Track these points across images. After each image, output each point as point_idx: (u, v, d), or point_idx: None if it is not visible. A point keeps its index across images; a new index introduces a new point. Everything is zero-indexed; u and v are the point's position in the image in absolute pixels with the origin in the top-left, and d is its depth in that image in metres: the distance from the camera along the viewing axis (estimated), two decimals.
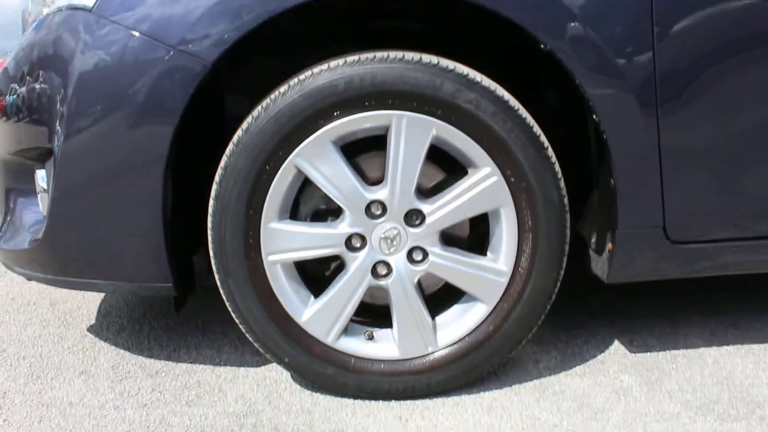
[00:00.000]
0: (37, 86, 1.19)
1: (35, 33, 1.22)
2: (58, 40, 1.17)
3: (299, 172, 1.14)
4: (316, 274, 1.25)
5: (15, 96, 1.25)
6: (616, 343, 1.45)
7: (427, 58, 1.12)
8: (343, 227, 1.16)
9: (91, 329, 1.56)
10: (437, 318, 1.23)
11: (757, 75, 1.15)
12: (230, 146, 1.14)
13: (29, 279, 1.31)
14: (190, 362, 1.38)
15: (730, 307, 1.60)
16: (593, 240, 1.29)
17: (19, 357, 1.42)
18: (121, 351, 1.44)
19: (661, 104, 1.13)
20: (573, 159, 1.28)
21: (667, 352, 1.40)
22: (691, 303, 1.63)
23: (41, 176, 1.26)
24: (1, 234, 1.32)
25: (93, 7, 1.14)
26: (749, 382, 1.27)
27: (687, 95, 1.14)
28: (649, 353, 1.40)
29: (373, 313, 1.26)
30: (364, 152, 1.20)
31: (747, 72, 1.14)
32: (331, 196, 1.15)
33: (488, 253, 1.22)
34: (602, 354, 1.40)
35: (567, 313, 1.55)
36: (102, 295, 1.74)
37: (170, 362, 1.38)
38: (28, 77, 1.21)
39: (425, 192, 1.20)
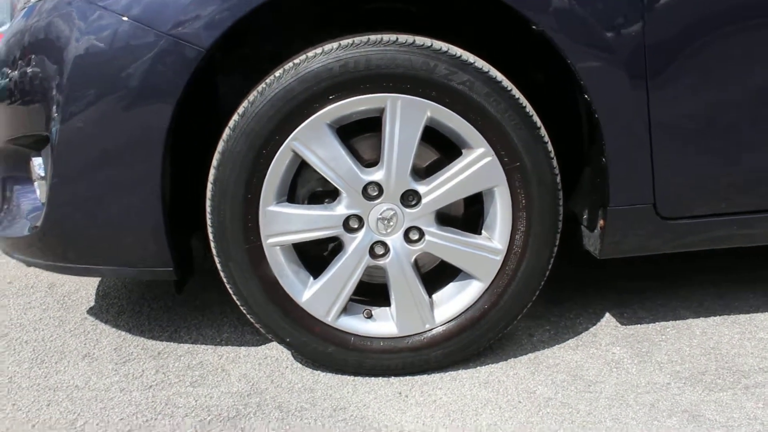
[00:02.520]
0: (30, 73, 1.18)
1: (26, 19, 1.21)
2: (51, 27, 1.16)
3: (296, 155, 1.15)
4: (315, 255, 1.27)
5: (7, 83, 1.24)
6: (608, 315, 1.49)
7: (420, 40, 1.12)
8: (341, 209, 1.18)
9: (91, 312, 1.58)
10: (434, 296, 1.26)
11: (745, 50, 1.17)
12: (227, 131, 1.15)
13: (29, 265, 1.32)
14: (192, 342, 1.41)
15: (717, 278, 1.64)
16: (585, 217, 1.32)
17: (22, 341, 1.43)
18: (123, 333, 1.46)
19: (651, 81, 1.15)
20: (565, 137, 1.29)
21: (657, 323, 1.45)
22: (681, 275, 1.67)
23: (38, 163, 1.26)
24: (0, 219, 1.32)
25: None
26: (735, 351, 1.32)
27: (677, 71, 1.16)
28: (639, 325, 1.44)
29: (372, 292, 1.29)
30: (360, 133, 1.21)
31: (735, 48, 1.16)
32: (327, 178, 1.16)
33: (483, 231, 1.24)
34: (594, 327, 1.44)
35: (559, 287, 1.58)
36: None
37: (172, 343, 1.41)
38: (20, 63, 1.21)
39: (420, 172, 1.22)
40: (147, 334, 1.45)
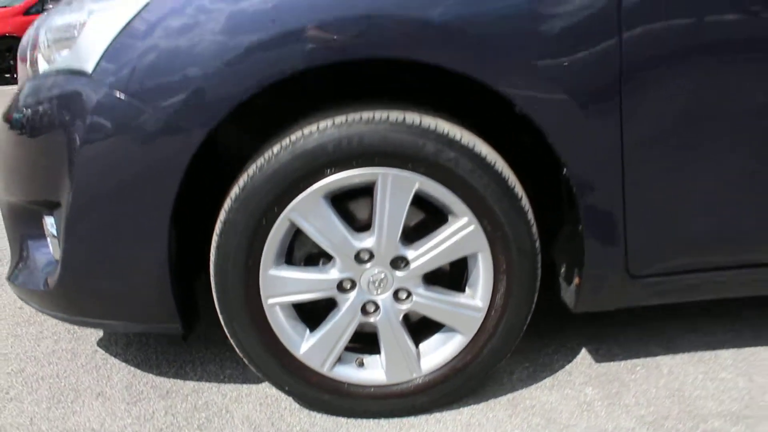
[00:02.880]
0: (41, 145, 1.26)
1: (33, 95, 1.27)
2: (59, 104, 1.23)
3: (293, 224, 1.24)
4: (312, 308, 1.36)
5: (22, 145, 1.31)
6: (584, 351, 1.60)
7: (410, 118, 1.20)
8: (334, 273, 1.28)
9: (101, 344, 1.68)
10: (421, 345, 1.37)
11: (714, 130, 1.25)
12: (228, 201, 1.23)
13: (44, 314, 1.41)
14: (197, 380, 1.52)
15: (691, 312, 1.75)
16: (563, 271, 1.42)
17: (38, 377, 1.54)
18: (132, 368, 1.57)
19: (626, 158, 1.23)
20: (551, 189, 1.38)
21: (629, 361, 1.56)
22: (656, 308, 1.77)
23: (50, 222, 1.34)
24: (17, 273, 1.41)
25: (92, 72, 1.20)
26: (697, 393, 1.43)
27: (650, 157, 1.24)
28: (612, 362, 1.55)
29: (363, 339, 1.39)
30: (355, 196, 1.30)
31: (704, 132, 1.24)
32: (322, 246, 1.25)
33: (467, 289, 1.34)
34: (570, 364, 1.56)
35: (541, 318, 1.69)
36: None
37: (179, 380, 1.52)
38: (30, 135, 1.28)
39: (409, 232, 1.31)
40: (155, 369, 1.56)
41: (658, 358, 1.57)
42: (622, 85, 1.19)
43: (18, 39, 8.57)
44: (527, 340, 1.62)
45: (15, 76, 8.66)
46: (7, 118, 1.34)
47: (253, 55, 1.15)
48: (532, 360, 1.57)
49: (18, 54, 1.49)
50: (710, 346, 1.61)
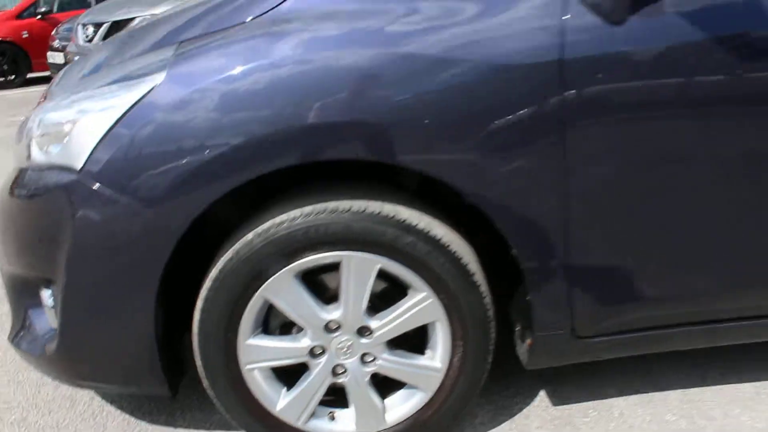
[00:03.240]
0: (36, 229, 1.38)
1: (28, 184, 1.39)
2: (51, 196, 1.34)
3: (267, 300, 1.37)
4: (288, 367, 1.49)
5: (18, 227, 1.43)
6: (542, 394, 1.74)
7: (371, 208, 1.32)
8: (306, 341, 1.41)
9: (98, 391, 1.81)
10: (386, 400, 1.50)
11: (650, 207, 1.37)
12: (208, 281, 1.36)
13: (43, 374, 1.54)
14: (185, 426, 1.65)
15: (644, 354, 1.88)
16: (517, 330, 1.55)
17: (39, 427, 1.68)
18: (126, 416, 1.70)
19: (568, 235, 1.36)
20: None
21: (583, 404, 1.69)
22: None
23: (47, 294, 1.47)
24: (19, 338, 1.54)
25: (81, 169, 1.32)
26: None
27: (591, 225, 1.36)
28: (567, 405, 1.69)
29: (336, 392, 1.52)
30: (326, 269, 1.42)
31: (642, 202, 1.35)
32: (294, 320, 1.38)
33: (427, 351, 1.47)
34: (528, 407, 1.69)
35: (503, 361, 1.82)
36: None
37: (169, 427, 1.65)
38: (26, 218, 1.40)
39: (374, 299, 1.43)
40: (147, 417, 1.70)
41: (612, 400, 1.71)
42: (562, 158, 1.30)
43: (11, 44, 8.65)
44: (491, 380, 1.76)
45: (8, 79, 8.73)
46: (10, 192, 1.46)
47: (218, 162, 1.27)
48: (493, 402, 1.71)
49: (17, 131, 1.60)
50: (661, 388, 1.74)
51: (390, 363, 1.44)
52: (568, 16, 1.26)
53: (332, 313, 1.39)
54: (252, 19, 1.39)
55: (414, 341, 1.48)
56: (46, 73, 8.25)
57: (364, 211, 1.32)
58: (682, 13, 1.27)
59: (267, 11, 1.39)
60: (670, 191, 1.34)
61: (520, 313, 1.52)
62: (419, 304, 1.38)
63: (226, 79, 1.28)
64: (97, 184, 1.30)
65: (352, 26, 1.31)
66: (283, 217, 1.32)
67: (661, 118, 1.29)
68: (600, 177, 1.32)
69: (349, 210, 1.31)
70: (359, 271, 1.35)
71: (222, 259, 1.35)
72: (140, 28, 1.73)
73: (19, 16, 8.68)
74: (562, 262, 1.37)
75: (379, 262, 1.34)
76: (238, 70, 1.28)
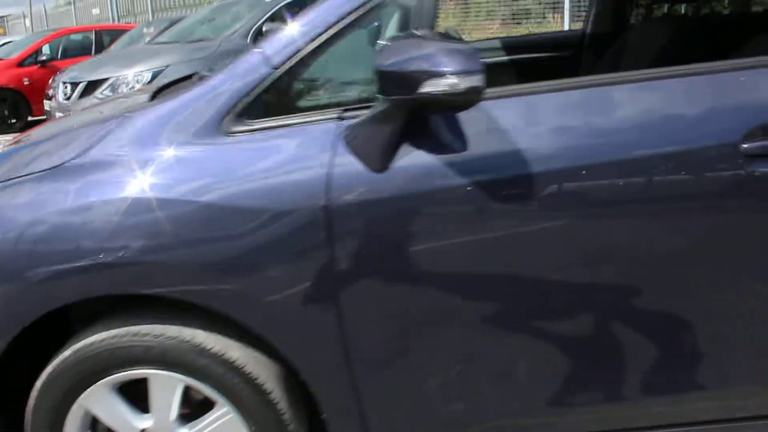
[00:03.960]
0: None
1: None
2: None
3: (87, 409, 1.53)
4: None
5: None
6: None
7: (170, 331, 1.48)
8: None
9: None
10: None
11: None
12: (35, 390, 1.53)
13: None
14: None
15: None
16: None
17: None
18: None
19: (354, 368, 1.49)
20: None
21: None
22: None
23: None
24: None
25: None
26: None
27: (371, 355, 1.49)
28: None
29: None
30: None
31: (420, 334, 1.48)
32: (112, 428, 1.54)
33: None
34: None
35: None
36: None
37: None
38: None
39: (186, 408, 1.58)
40: None
41: None
42: (335, 299, 1.43)
43: (12, 90, 9.08)
44: None
45: (9, 122, 9.15)
46: None
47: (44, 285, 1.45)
48: None
49: None
50: None
51: None
52: (335, 162, 1.40)
53: (145, 422, 1.54)
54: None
55: None
56: (45, 118, 8.65)
57: (162, 335, 1.48)
58: (443, 161, 1.40)
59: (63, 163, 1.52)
60: (442, 322, 1.48)
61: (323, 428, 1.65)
62: (222, 418, 1.53)
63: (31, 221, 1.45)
64: None
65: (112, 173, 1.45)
66: (95, 337, 1.49)
67: (425, 261, 1.44)
68: (370, 315, 1.45)
69: (148, 334, 1.48)
70: (164, 387, 1.50)
71: (46, 371, 1.52)
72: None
73: (21, 63, 9.15)
74: (352, 387, 1.51)
75: (182, 380, 1.50)
76: (39, 213, 1.46)
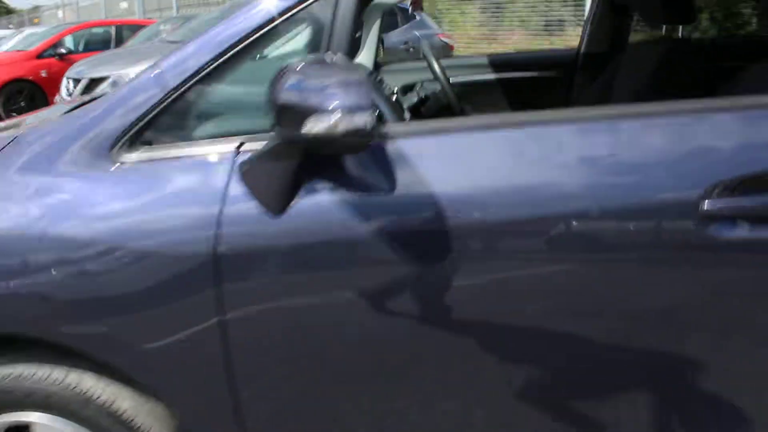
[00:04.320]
0: None
1: None
2: None
3: None
4: None
5: None
6: None
7: (55, 375, 1.36)
8: None
9: None
10: None
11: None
12: None
13: None
14: None
15: None
16: None
17: None
18: None
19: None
20: None
21: None
22: None
23: None
24: None
25: None
26: None
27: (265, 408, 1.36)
28: None
29: None
30: None
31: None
32: None
33: None
34: None
35: None
36: None
37: None
38: None
39: None
40: None
41: None
42: (223, 348, 1.30)
43: (30, 82, 9.16)
44: None
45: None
46: None
47: None
48: None
49: None
50: None
51: None
52: (226, 207, 1.25)
53: None
54: None
55: None
56: None
57: (47, 378, 1.35)
58: (343, 203, 1.24)
59: None
60: (331, 370, 1.33)
61: None
62: None
63: None
64: None
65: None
66: None
67: (318, 309, 1.28)
68: (262, 363, 1.32)
69: (32, 377, 1.35)
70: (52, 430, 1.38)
71: None
72: None
73: (40, 55, 9.21)
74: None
75: (71, 426, 1.37)
76: None
